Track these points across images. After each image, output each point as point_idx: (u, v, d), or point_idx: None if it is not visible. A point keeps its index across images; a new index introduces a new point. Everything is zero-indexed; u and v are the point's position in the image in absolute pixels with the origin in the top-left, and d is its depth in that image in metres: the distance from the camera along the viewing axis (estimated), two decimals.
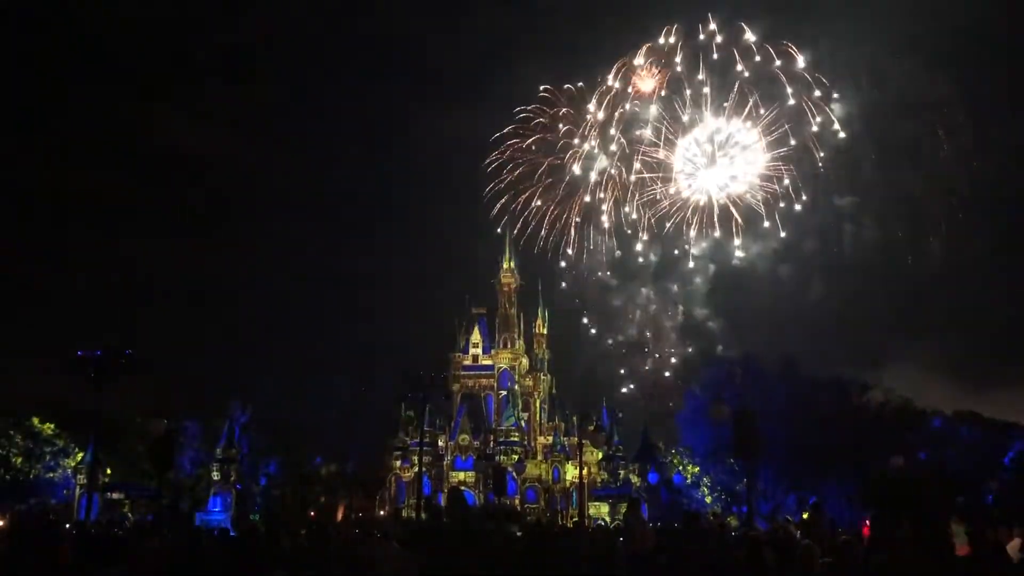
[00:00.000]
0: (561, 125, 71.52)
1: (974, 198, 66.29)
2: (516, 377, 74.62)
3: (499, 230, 76.56)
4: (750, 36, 63.88)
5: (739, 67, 64.20)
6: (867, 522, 9.33)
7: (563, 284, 77.34)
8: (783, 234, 67.50)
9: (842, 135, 63.99)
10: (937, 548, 9.90)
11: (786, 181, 66.43)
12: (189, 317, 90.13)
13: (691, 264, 72.50)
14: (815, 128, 64.28)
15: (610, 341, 78.11)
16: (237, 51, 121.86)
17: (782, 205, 67.09)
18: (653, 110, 67.32)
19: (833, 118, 63.43)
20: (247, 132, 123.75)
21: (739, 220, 68.00)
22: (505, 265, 78.05)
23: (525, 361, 77.47)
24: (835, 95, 63.70)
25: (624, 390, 76.09)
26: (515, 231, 78.76)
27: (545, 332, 78.24)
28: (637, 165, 69.80)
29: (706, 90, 65.42)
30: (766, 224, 68.00)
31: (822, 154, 65.09)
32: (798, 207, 67.12)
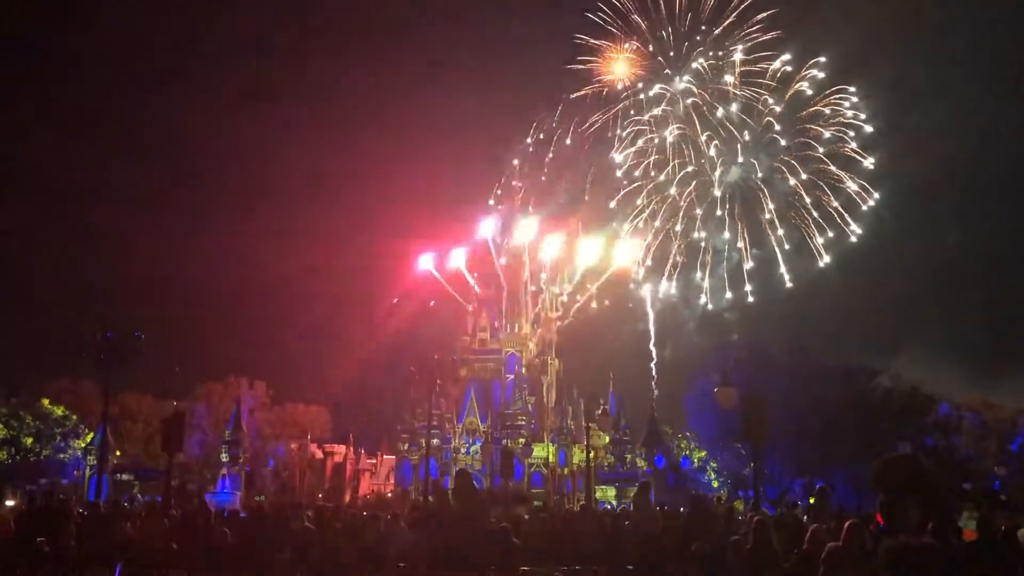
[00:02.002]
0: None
1: (988, 183, 66.06)
2: (524, 361, 74.70)
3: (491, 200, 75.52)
4: None
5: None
6: (877, 510, 9.32)
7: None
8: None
9: (862, 117, 63.44)
10: (945, 534, 9.87)
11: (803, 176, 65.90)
12: (199, 298, 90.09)
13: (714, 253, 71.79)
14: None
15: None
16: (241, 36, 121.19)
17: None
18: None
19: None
20: (249, 113, 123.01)
21: (770, 208, 67.34)
22: (513, 247, 77.83)
23: (533, 345, 77.50)
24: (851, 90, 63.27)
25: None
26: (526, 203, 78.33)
27: (553, 316, 78.16)
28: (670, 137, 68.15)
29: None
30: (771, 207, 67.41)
31: (827, 134, 64.65)
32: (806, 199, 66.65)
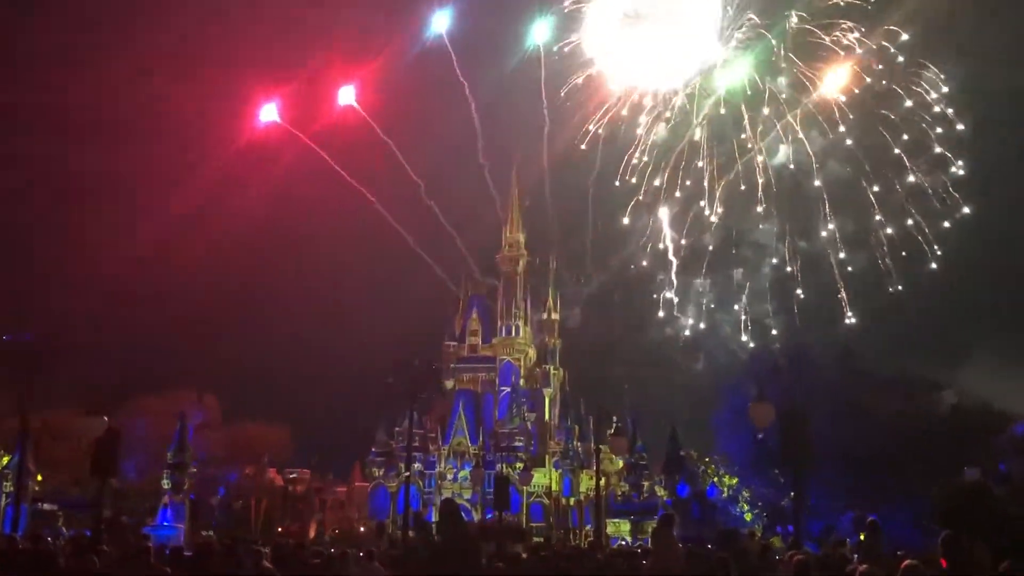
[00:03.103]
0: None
1: None
2: (522, 371, 74.82)
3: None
4: None
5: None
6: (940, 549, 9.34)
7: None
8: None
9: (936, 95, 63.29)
10: None
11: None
12: (138, 300, 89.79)
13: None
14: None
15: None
16: None
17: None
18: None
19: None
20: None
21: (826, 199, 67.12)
22: (510, 235, 77.88)
23: (533, 352, 77.58)
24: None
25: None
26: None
27: (557, 318, 78.23)
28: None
29: None
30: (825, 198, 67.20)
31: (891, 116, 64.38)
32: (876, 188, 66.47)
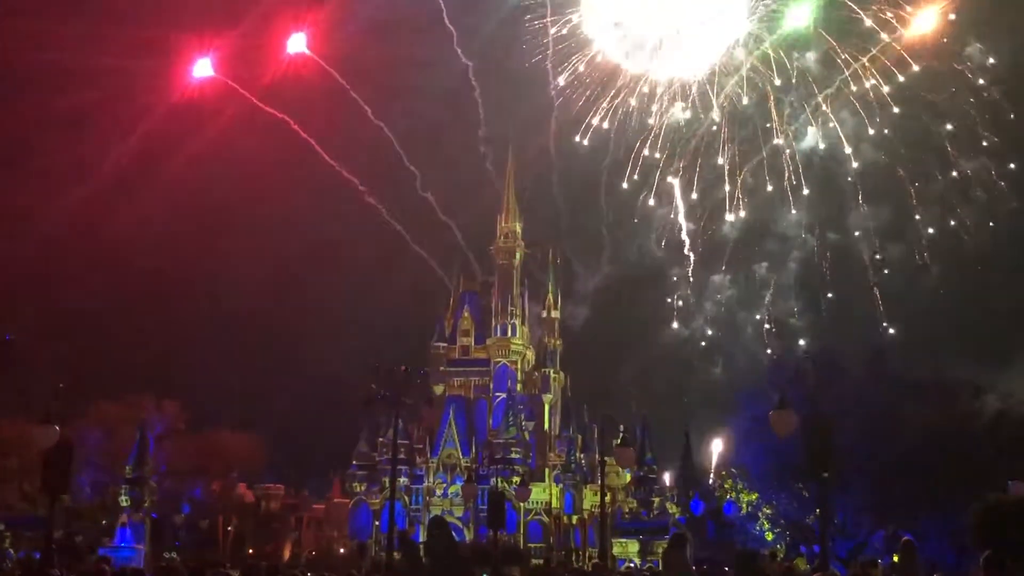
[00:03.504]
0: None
1: None
2: (519, 375, 74.88)
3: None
4: None
5: None
6: (980, 571, 9.34)
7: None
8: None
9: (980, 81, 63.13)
10: None
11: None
12: (91, 293, 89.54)
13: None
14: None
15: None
16: None
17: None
18: None
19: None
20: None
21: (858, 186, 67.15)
22: (506, 224, 77.83)
23: (531, 354, 77.65)
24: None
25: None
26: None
27: (557, 316, 78.31)
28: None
29: None
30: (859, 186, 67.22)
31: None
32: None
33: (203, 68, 66.75)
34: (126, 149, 77.43)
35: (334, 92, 68.66)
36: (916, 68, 62.78)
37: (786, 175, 68.00)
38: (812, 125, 67.22)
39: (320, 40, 66.92)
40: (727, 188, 69.22)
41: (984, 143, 65.70)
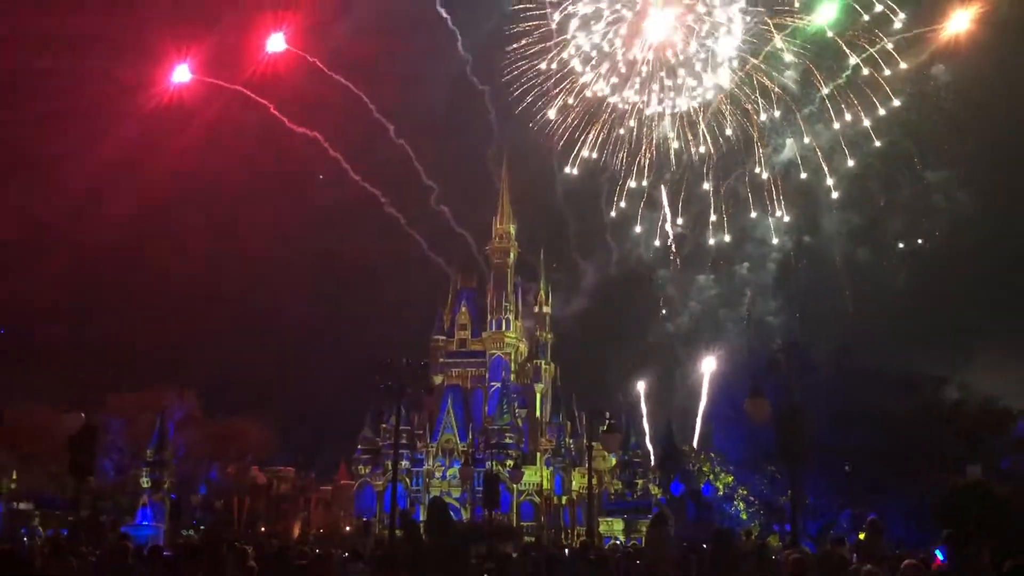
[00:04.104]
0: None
1: None
2: (512, 366, 74.85)
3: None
4: None
5: None
6: (938, 547, 9.37)
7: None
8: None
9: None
10: None
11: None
12: (115, 291, 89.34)
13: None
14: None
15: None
16: None
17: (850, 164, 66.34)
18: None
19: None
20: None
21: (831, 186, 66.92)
22: (499, 226, 77.78)
23: (524, 347, 77.63)
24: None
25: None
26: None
27: (548, 311, 78.28)
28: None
29: None
30: (834, 195, 67.12)
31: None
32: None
33: (181, 74, 64.21)
34: (130, 147, 76.28)
35: (352, 108, 68.42)
36: (890, 92, 62.95)
37: (766, 187, 68.07)
38: (790, 137, 67.22)
39: (312, 37, 66.33)
40: (711, 201, 69.20)
41: (947, 158, 66.05)
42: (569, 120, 65.92)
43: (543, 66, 63.73)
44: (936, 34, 60.44)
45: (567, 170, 67.37)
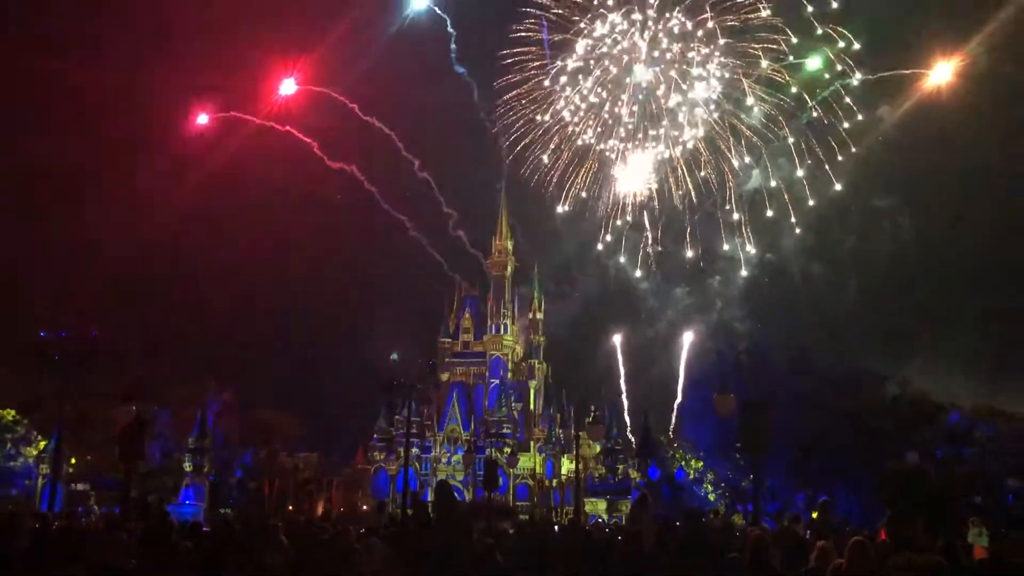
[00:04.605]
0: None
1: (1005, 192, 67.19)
2: (509, 365, 74.79)
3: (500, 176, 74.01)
4: None
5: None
6: (883, 524, 9.40)
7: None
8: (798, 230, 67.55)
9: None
10: (953, 552, 9.96)
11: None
12: (160, 302, 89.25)
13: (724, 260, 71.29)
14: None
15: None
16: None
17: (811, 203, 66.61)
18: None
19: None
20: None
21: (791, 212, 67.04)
22: (499, 243, 77.80)
23: (519, 348, 77.59)
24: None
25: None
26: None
27: (541, 317, 78.27)
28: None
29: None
30: (792, 220, 67.35)
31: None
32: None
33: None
34: (174, 172, 76.26)
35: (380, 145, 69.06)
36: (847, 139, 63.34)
37: (734, 213, 68.38)
38: (755, 168, 67.43)
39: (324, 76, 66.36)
40: (687, 226, 69.37)
41: (891, 187, 66.69)
42: (561, 162, 66.56)
43: (538, 117, 64.43)
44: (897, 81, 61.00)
45: (559, 208, 67.95)
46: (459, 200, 76.92)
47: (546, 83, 63.00)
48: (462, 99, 67.17)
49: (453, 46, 65.70)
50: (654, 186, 66.91)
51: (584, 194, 67.60)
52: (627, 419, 71.61)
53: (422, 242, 72.21)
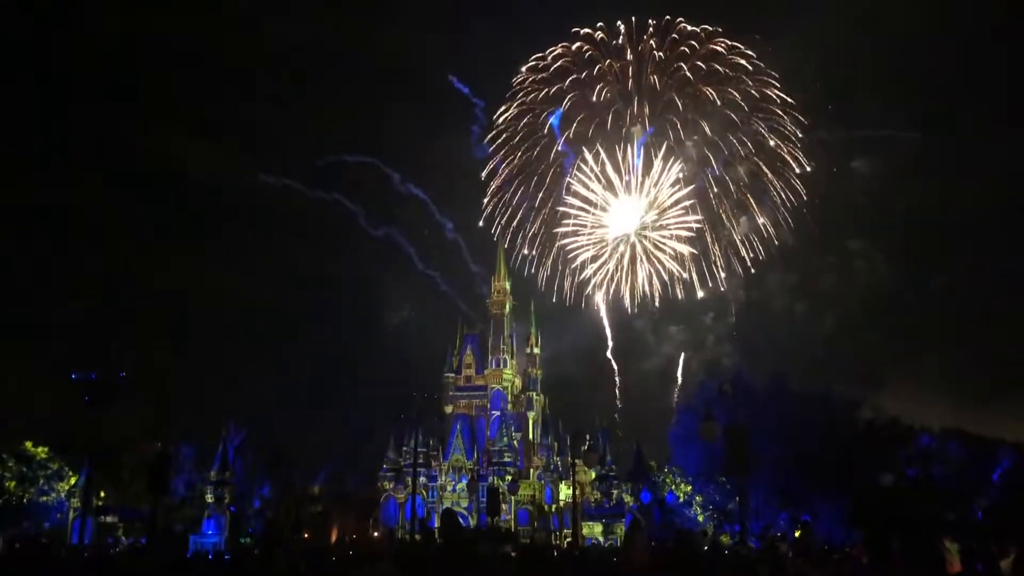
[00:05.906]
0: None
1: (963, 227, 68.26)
2: (509, 397, 74.43)
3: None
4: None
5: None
6: (860, 544, 9.33)
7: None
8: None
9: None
10: (929, 566, 9.89)
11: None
12: (183, 340, 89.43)
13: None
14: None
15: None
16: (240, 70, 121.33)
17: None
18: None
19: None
20: (235, 147, 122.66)
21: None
22: (498, 284, 77.89)
23: (518, 381, 77.29)
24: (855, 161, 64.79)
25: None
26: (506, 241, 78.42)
27: (538, 352, 78.06)
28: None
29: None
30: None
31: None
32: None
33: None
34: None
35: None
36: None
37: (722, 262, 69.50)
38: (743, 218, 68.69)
39: None
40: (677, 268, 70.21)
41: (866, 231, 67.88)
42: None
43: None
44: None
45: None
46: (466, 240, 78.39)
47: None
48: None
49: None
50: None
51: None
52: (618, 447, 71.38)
53: (453, 296, 73.53)
